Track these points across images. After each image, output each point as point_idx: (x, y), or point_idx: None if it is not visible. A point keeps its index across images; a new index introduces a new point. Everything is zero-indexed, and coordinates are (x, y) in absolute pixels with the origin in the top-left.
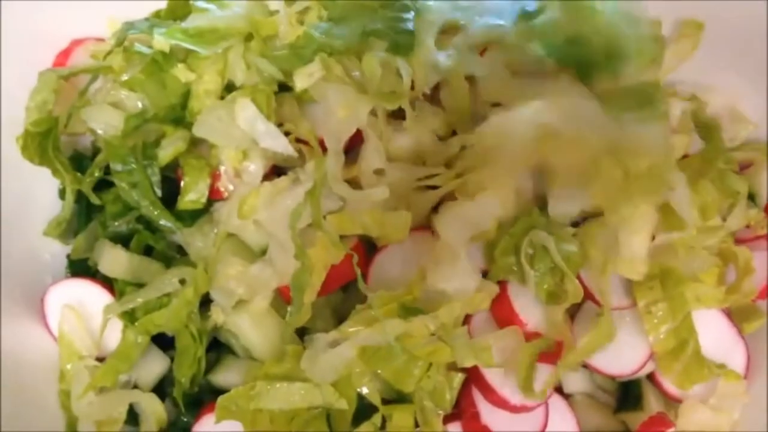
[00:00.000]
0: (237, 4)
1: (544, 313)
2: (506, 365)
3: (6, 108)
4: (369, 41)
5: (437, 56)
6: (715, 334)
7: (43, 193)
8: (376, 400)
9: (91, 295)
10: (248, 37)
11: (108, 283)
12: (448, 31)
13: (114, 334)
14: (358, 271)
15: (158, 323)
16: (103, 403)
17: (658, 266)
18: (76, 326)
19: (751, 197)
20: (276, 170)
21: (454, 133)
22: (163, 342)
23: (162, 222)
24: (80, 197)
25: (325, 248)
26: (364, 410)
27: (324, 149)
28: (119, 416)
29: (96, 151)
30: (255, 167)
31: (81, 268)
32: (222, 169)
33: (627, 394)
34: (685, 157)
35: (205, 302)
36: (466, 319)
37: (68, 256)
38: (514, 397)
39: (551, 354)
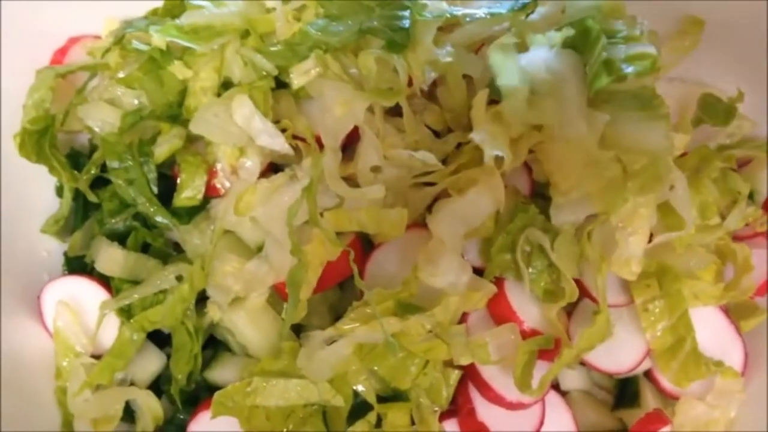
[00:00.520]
0: (233, 2)
1: (541, 310)
2: (503, 362)
3: (3, 106)
4: (365, 38)
5: (434, 53)
6: (712, 332)
7: (40, 190)
8: (371, 399)
9: (88, 292)
10: (244, 34)
11: (105, 280)
12: (445, 27)
13: (110, 331)
14: (355, 268)
15: (154, 320)
16: (99, 400)
17: (655, 264)
18: (70, 322)
19: (750, 194)
20: (273, 167)
21: (450, 130)
22: (160, 339)
23: (159, 219)
24: (77, 195)
25: (321, 245)
26: (359, 408)
27: (321, 146)
28: (115, 413)
29: (93, 148)
30: (252, 164)
31: (78, 265)
32: (218, 166)
33: (624, 391)
34: (683, 155)
35: (202, 299)
36: (463, 317)
37: (65, 254)
38: (511, 394)
39: (548, 351)
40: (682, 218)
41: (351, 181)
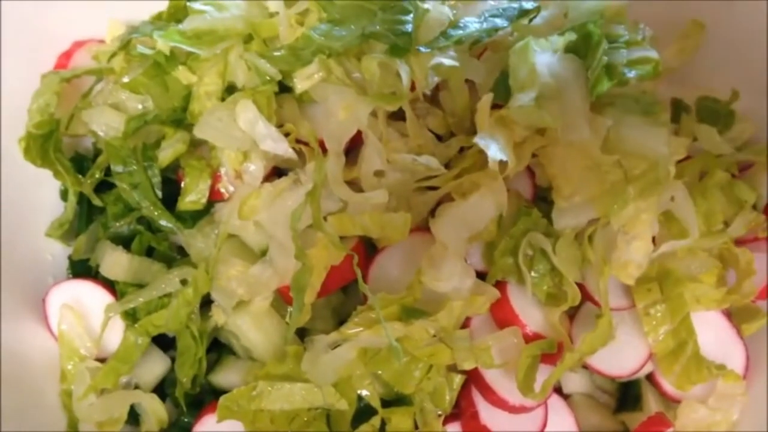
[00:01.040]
0: (235, 6)
1: (544, 314)
2: (506, 366)
3: (8, 110)
4: (368, 43)
5: (436, 58)
6: (714, 335)
7: (44, 194)
8: (375, 403)
9: (92, 296)
10: (247, 39)
11: (109, 283)
12: (448, 32)
13: (114, 335)
14: (359, 273)
15: (158, 324)
16: (104, 404)
17: (657, 268)
18: (75, 326)
19: None
20: (276, 171)
21: (453, 134)
22: (164, 342)
23: (163, 223)
24: (81, 198)
25: (325, 249)
26: (363, 412)
27: (324, 150)
28: (120, 416)
29: (97, 152)
30: (255, 168)
31: (82, 268)
32: (222, 170)
33: (626, 394)
34: (687, 158)
35: (206, 303)
36: (466, 321)
37: (69, 257)
38: (514, 398)
39: (551, 355)
40: (685, 228)
41: (354, 185)
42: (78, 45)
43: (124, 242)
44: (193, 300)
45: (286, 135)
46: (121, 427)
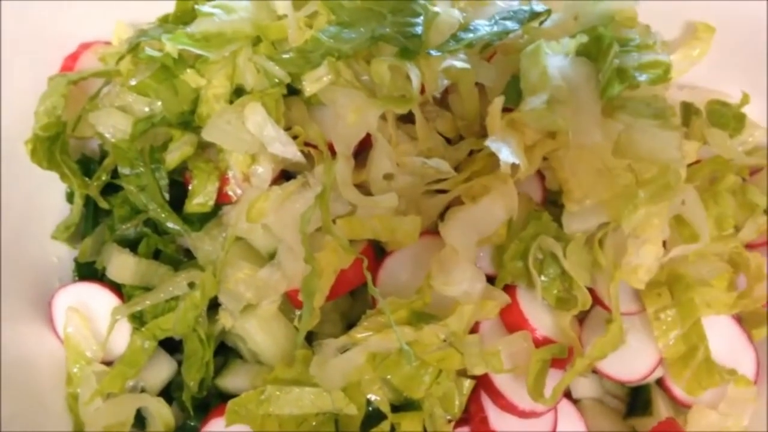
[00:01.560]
0: (243, 9)
1: (554, 318)
2: (516, 370)
3: (14, 112)
4: (378, 45)
5: (447, 60)
6: (724, 340)
7: (50, 197)
8: (385, 408)
9: (99, 299)
10: (256, 41)
11: (115, 286)
12: (458, 35)
13: (120, 338)
14: (369, 276)
15: (165, 328)
16: (110, 408)
17: (667, 273)
18: (81, 328)
19: None
20: (284, 174)
21: (462, 137)
22: (170, 345)
23: (170, 225)
24: (88, 201)
25: (334, 252)
26: (372, 416)
27: (333, 153)
28: (127, 420)
29: (103, 154)
30: (263, 171)
31: (88, 271)
32: (230, 173)
33: (636, 399)
34: (696, 162)
35: (213, 306)
36: (475, 325)
37: (76, 260)
38: (523, 403)
39: (561, 359)
40: (696, 232)
41: (363, 188)
42: (84, 47)
43: (131, 245)
44: (201, 303)
45: (295, 138)
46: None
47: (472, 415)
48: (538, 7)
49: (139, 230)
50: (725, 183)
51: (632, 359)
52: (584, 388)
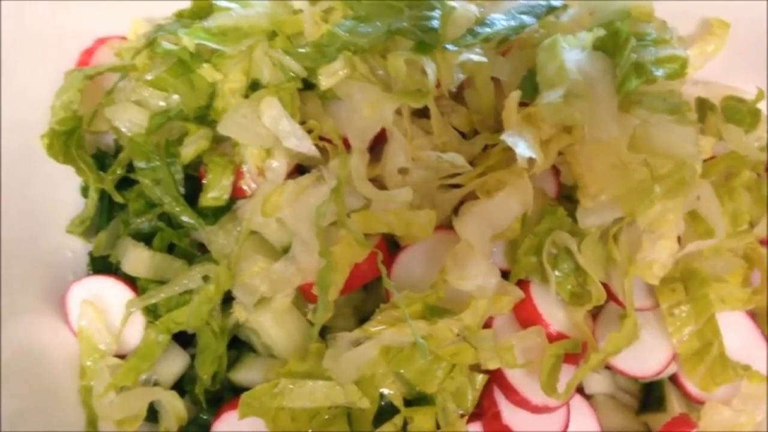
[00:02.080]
0: (259, 3)
1: (567, 314)
2: (529, 365)
3: (30, 106)
4: (394, 40)
5: (463, 54)
6: (738, 336)
7: (65, 191)
8: (398, 402)
9: (113, 292)
10: (272, 36)
11: (130, 280)
12: (475, 29)
13: (134, 331)
14: (383, 270)
15: (179, 321)
16: (123, 401)
17: (681, 268)
18: (95, 321)
19: None
20: (299, 168)
21: (477, 132)
22: (183, 339)
23: (185, 219)
24: (103, 195)
25: (349, 246)
26: (385, 410)
27: (347, 147)
28: (140, 414)
29: (118, 149)
30: (278, 165)
31: (102, 265)
32: (245, 167)
33: (649, 395)
34: (711, 158)
35: (226, 300)
36: (489, 320)
37: (90, 254)
38: (536, 398)
39: (574, 355)
40: (711, 228)
41: (378, 182)
42: (100, 42)
43: (145, 239)
44: (215, 297)
45: (310, 132)
46: (140, 424)
47: (484, 410)
48: (555, 2)
49: (153, 224)
50: (740, 179)
51: (646, 355)
52: (597, 383)
